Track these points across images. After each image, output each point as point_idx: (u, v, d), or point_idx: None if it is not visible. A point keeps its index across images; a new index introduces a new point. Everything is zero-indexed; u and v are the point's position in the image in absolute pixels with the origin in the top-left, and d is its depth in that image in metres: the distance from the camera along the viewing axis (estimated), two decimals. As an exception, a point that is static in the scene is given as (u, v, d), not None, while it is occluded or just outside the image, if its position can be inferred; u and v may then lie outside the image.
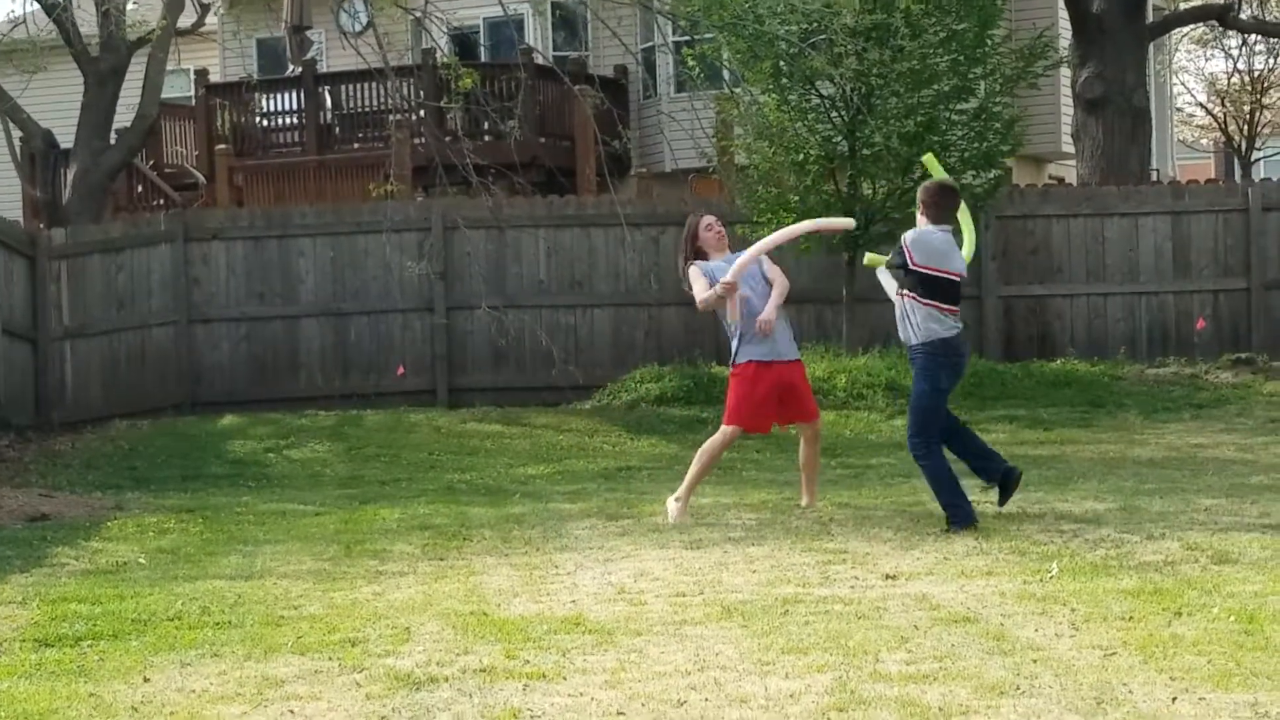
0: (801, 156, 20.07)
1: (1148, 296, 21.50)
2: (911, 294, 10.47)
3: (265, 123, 28.20)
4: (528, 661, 6.63)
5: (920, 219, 10.68)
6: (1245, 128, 42.70)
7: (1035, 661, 6.32)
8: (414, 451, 16.97)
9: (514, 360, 21.40)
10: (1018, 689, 5.88)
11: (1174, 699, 5.67)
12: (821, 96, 20.15)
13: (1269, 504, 11.07)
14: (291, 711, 5.97)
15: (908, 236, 10.57)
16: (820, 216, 19.95)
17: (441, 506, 12.61)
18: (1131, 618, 7.11)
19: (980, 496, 11.96)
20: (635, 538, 10.37)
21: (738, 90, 21.35)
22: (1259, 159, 46.05)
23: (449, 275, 21.31)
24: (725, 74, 22.89)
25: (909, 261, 10.47)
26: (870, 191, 20.37)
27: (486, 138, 25.10)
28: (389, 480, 15.01)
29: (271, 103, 28.19)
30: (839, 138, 20.12)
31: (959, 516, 10.35)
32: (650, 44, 28.71)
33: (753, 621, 7.33)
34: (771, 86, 20.25)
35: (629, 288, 21.61)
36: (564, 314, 21.51)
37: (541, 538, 10.55)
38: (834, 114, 20.14)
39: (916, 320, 10.47)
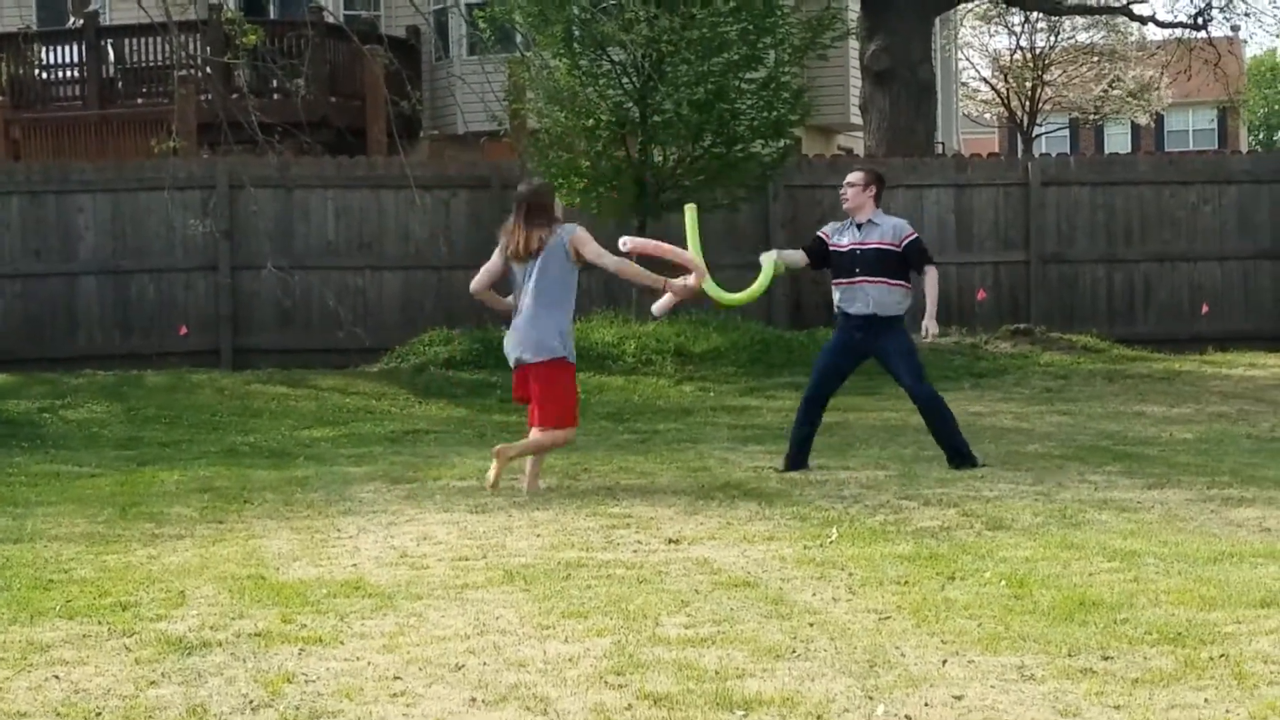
0: (593, 122, 20.08)
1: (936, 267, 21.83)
2: (897, 280, 11.36)
3: (44, 75, 27.41)
4: (304, 626, 6.52)
5: (871, 202, 11.43)
6: (1027, 103, 43.57)
7: (812, 625, 6.35)
8: (196, 413, 16.68)
9: (300, 322, 21.16)
10: (794, 652, 5.92)
11: (944, 661, 5.74)
12: (613, 62, 20.15)
13: (1042, 472, 11.28)
14: (57, 677, 5.80)
15: (908, 226, 11.51)
16: (611, 181, 20.00)
17: (222, 469, 12.41)
18: (906, 582, 7.19)
19: (764, 462, 12.06)
20: (420, 502, 10.29)
21: (529, 54, 21.28)
22: (1040, 134, 47.08)
23: (234, 234, 20.98)
24: (517, 37, 22.81)
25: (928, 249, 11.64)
26: (661, 158, 20.46)
27: (274, 96, 24.68)
28: (169, 442, 14.73)
29: (51, 55, 27.40)
30: (630, 104, 20.13)
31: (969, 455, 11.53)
32: (442, 5, 28.53)
33: (534, 585, 7.30)
34: (563, 51, 20.21)
35: (419, 250, 21.46)
36: (352, 276, 21.29)
37: (324, 501, 10.42)
38: (625, 80, 20.16)
39: (897, 298, 11.37)
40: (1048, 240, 22.19)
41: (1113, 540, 8.22)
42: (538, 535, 8.81)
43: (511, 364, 10.73)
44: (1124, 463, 11.78)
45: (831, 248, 11.53)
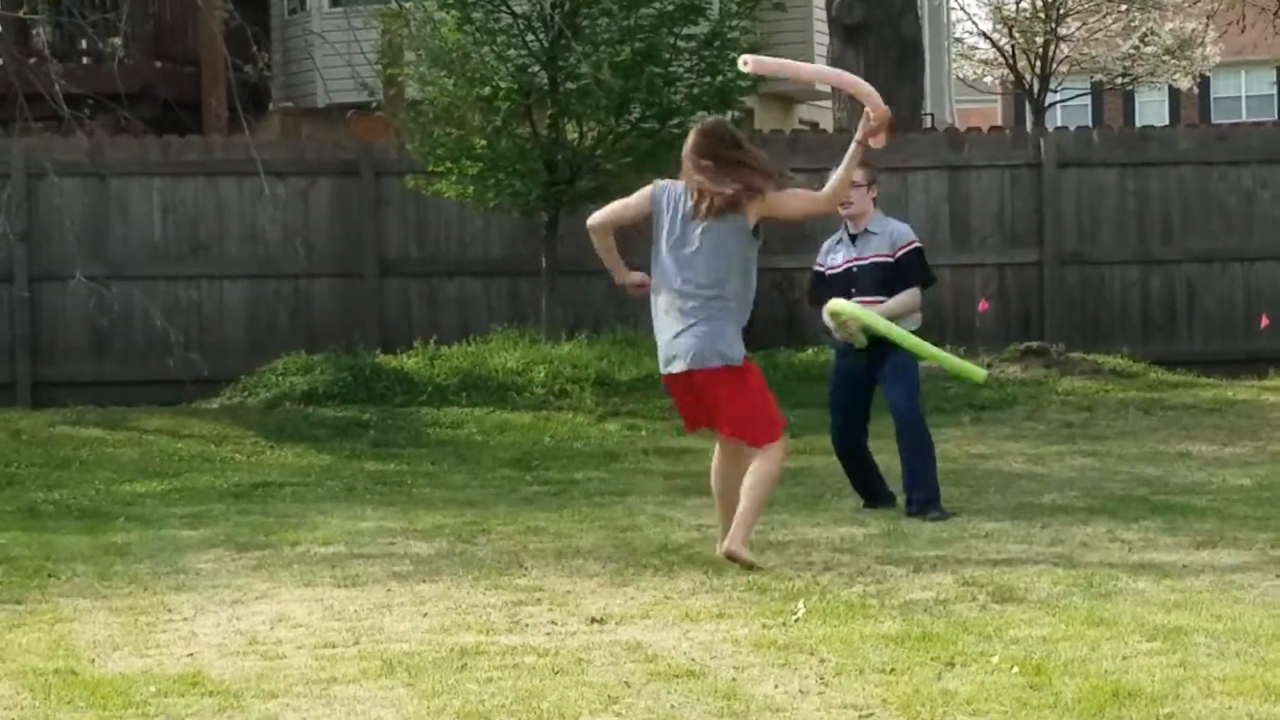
0: (489, 90, 20.05)
1: (919, 270, 21.88)
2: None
3: None
4: (128, 733, 6.48)
5: (872, 205, 11.95)
6: (1038, 64, 43.49)
7: (775, 726, 6.36)
8: (-15, 463, 16.57)
9: (120, 346, 21.06)
10: (752, 760, 5.92)
11: (943, 770, 5.75)
12: (514, 14, 20.13)
13: (1062, 529, 11.31)
14: None
15: (910, 233, 12.10)
16: (513, 165, 19.95)
17: (21, 534, 12.31)
18: (894, 670, 7.18)
19: (710, 519, 12.06)
20: (273, 573, 10.25)
21: (408, 4, 21.21)
22: (1054, 103, 47.09)
23: (34, 236, 20.86)
24: (393, -17, 22.75)
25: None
26: (576, 136, 20.48)
27: (84, 60, 24.58)
28: (-49, 501, 14.62)
29: None
30: (536, 67, 20.14)
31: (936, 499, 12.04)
32: (297, -58, 28.51)
33: (421, 678, 7.27)
34: (451, 0, 20.12)
35: (269, 254, 21.41)
36: (185, 287, 21.21)
37: (151, 574, 10.37)
38: (530, 37, 20.13)
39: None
40: (1066, 236, 22.27)
41: (1152, 614, 8.27)
42: (424, 614, 8.78)
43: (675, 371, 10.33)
44: (1165, 516, 11.84)
45: (827, 272, 12.10)
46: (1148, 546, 10.53)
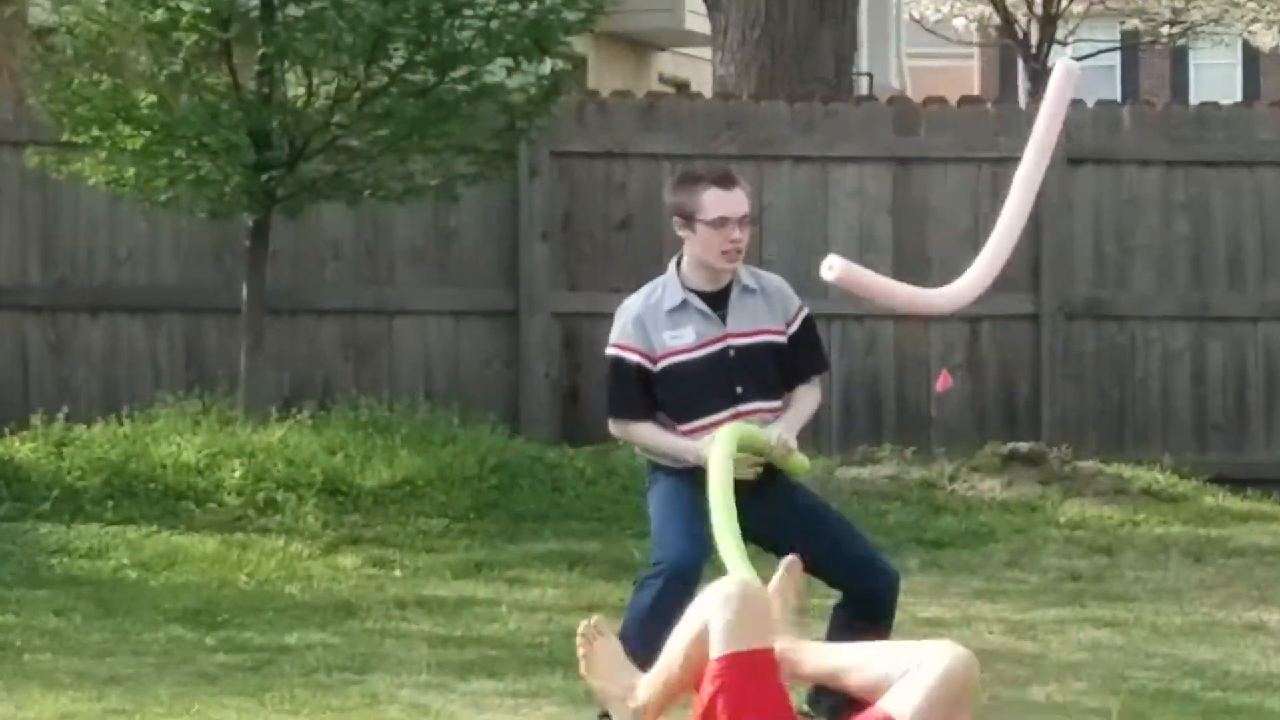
0: (163, 15, 19.47)
1: (843, 322, 21.49)
2: (780, 400, 11.69)
3: None
4: None
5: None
6: (1038, 1, 43.60)
7: None
8: None
9: None
10: None
11: None
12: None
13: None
14: None
15: (790, 289, 11.77)
16: (199, 137, 19.61)
17: None
18: None
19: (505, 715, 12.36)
20: None
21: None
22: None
23: None
24: None
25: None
26: (302, 91, 20.12)
27: None
28: None
29: None
30: (241, -18, 19.91)
31: None
32: None
33: None
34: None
35: None
36: None
37: None
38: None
39: None
40: (1077, 273, 22.02)
41: None
42: None
43: None
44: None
45: (664, 358, 11.45)
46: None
